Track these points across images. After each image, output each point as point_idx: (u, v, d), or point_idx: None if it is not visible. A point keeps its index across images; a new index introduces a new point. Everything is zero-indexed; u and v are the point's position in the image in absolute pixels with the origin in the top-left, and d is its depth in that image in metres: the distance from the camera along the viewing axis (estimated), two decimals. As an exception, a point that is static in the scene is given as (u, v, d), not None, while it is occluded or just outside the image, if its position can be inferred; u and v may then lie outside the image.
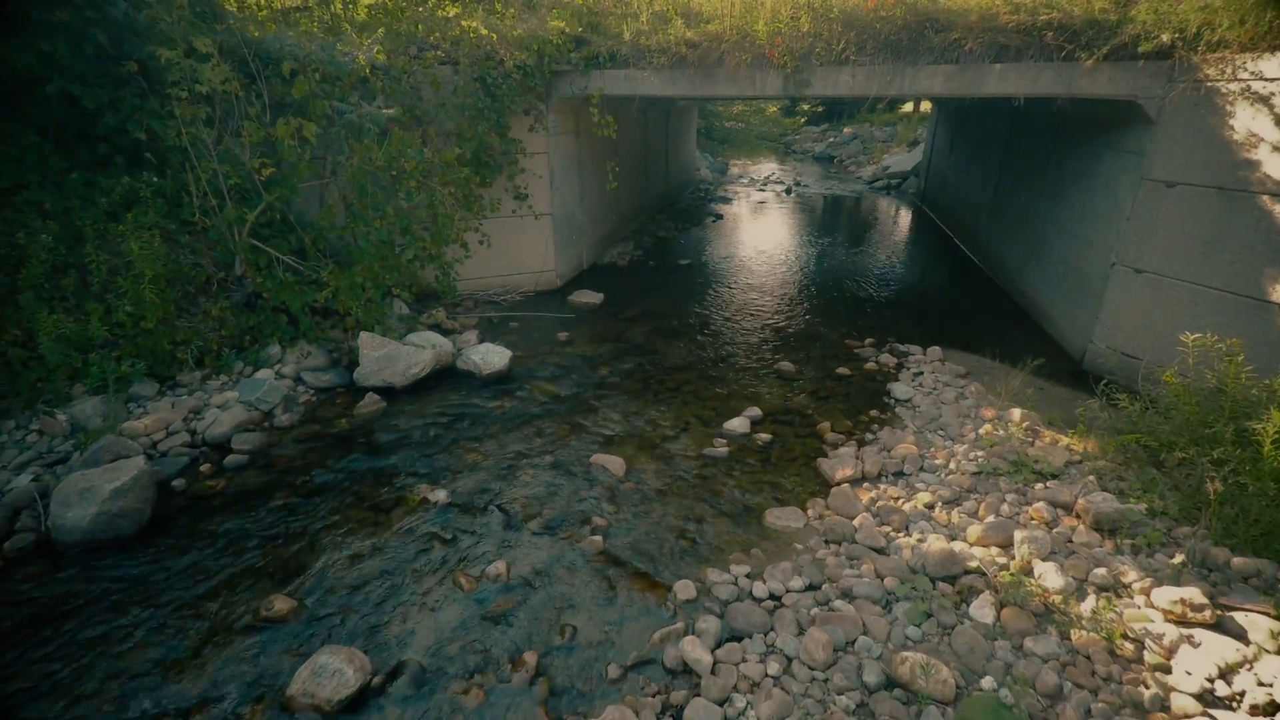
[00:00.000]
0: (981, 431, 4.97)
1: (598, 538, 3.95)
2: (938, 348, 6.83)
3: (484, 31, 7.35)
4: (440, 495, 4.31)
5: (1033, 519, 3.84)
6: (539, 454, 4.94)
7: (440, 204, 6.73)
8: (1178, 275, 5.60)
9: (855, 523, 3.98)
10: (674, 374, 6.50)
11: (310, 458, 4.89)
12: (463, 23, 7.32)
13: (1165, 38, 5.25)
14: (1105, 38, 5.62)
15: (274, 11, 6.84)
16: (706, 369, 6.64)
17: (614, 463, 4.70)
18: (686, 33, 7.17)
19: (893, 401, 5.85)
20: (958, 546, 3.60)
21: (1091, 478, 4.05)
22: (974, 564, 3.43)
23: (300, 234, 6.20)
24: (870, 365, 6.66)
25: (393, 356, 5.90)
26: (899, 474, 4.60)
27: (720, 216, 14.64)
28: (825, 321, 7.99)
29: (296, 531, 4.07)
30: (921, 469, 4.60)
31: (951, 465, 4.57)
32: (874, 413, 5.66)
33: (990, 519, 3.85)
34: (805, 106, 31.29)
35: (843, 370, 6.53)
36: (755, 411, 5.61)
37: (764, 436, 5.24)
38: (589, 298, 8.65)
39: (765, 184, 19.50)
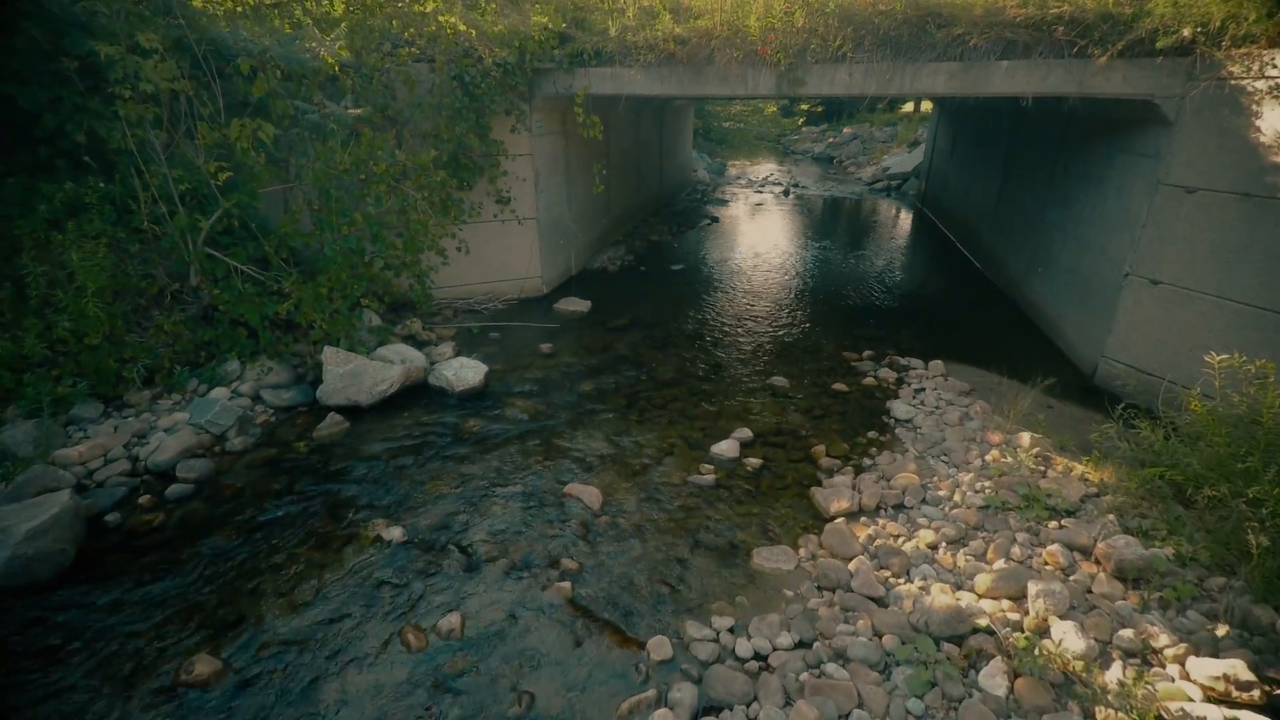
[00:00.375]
0: (988, 458, 4.60)
1: (566, 584, 3.57)
2: (940, 361, 6.45)
3: (462, 27, 6.97)
4: (396, 533, 3.93)
5: (1047, 564, 3.46)
6: (509, 482, 4.57)
7: (413, 209, 6.35)
8: (1198, 287, 5.22)
9: (851, 566, 3.60)
10: (661, 389, 6.12)
11: (261, 486, 4.52)
12: (440, 18, 6.94)
13: (1186, 32, 4.87)
14: (1120, 33, 5.24)
15: (246, 7, 6.46)
16: (696, 383, 6.27)
17: (589, 494, 4.32)
18: (675, 28, 6.79)
19: (892, 422, 5.47)
20: (965, 599, 3.23)
21: (1111, 516, 3.67)
22: (983, 622, 3.05)
23: (262, 242, 5.81)
24: (869, 380, 6.28)
25: (358, 373, 5.53)
26: (899, 506, 4.22)
27: (716, 219, 14.26)
28: (822, 331, 7.61)
29: (235, 574, 3.69)
30: (923, 501, 4.23)
31: (956, 497, 4.19)
32: (872, 434, 5.28)
33: (1000, 564, 3.48)
34: (804, 106, 30.91)
35: (839, 386, 6.15)
36: (745, 433, 5.23)
37: (754, 461, 4.86)
38: (576, 306, 8.28)
39: (763, 185, 19.12)
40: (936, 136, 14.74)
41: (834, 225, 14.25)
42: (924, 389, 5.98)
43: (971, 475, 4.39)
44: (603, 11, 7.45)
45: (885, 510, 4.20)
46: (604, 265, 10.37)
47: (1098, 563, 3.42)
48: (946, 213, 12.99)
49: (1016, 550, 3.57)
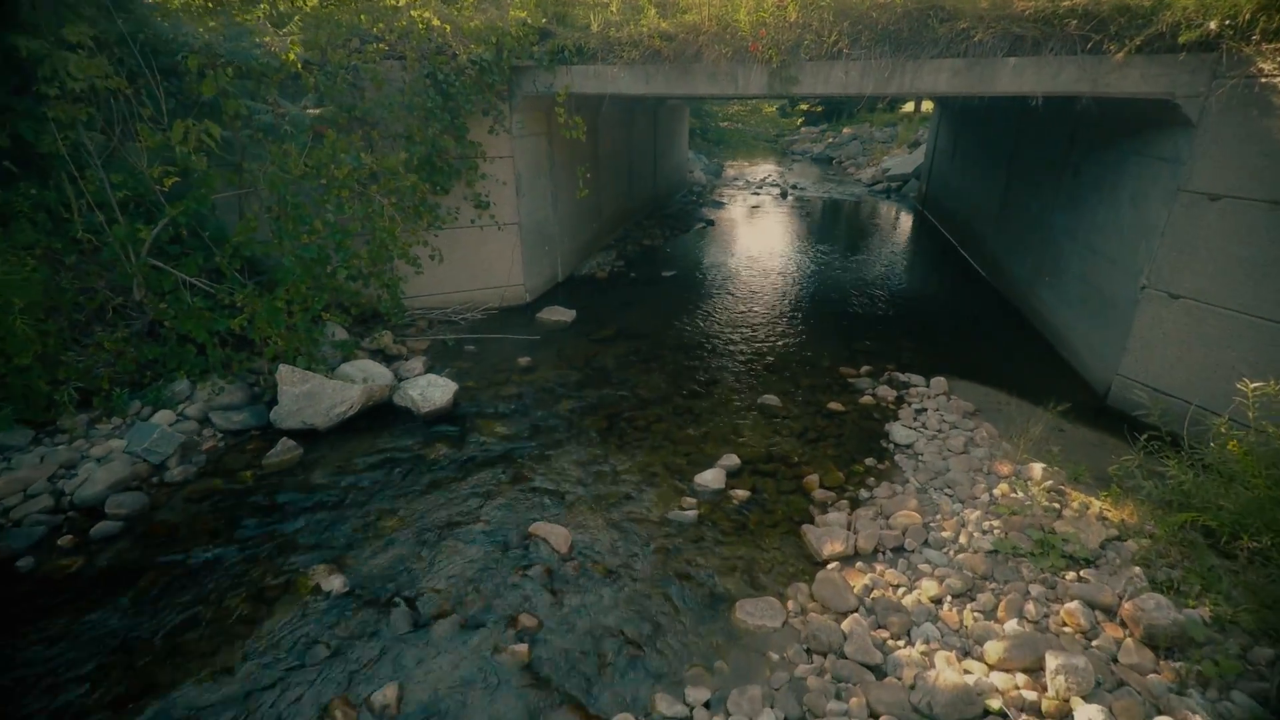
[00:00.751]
0: (996, 492, 4.19)
1: (523, 646, 3.17)
2: (942, 378, 6.04)
3: (436, 22, 6.57)
4: (337, 583, 3.53)
5: (1065, 626, 3.06)
6: (470, 519, 4.16)
7: (379, 215, 5.94)
8: (1222, 302, 4.81)
9: (845, 626, 3.19)
10: (645, 409, 5.72)
11: (198, 523, 4.11)
12: (412, 12, 6.53)
13: (1213, 26, 4.46)
14: (1139, 27, 4.83)
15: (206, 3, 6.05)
16: (683, 401, 5.86)
17: (557, 534, 3.92)
18: (661, 23, 6.39)
19: (891, 447, 5.06)
20: (973, 674, 2.82)
21: (1137, 569, 3.26)
22: (995, 704, 2.64)
23: (215, 252, 5.41)
24: (866, 399, 5.88)
25: (315, 394, 5.12)
26: (899, 550, 3.81)
27: (711, 222, 13.85)
28: (818, 343, 7.21)
29: (152, 632, 3.29)
30: (926, 543, 3.82)
31: (962, 539, 3.78)
32: (870, 461, 4.88)
33: (1012, 624, 3.07)
34: (804, 106, 30.50)
35: (835, 405, 5.75)
36: (733, 459, 4.83)
37: (741, 493, 4.46)
38: (559, 315, 7.87)
39: (761, 187, 18.72)
40: (937, 137, 14.32)
41: (832, 228, 13.84)
42: (925, 409, 5.58)
43: (978, 513, 3.98)
44: (585, 5, 7.05)
45: (883, 553, 3.80)
46: (593, 271, 9.96)
47: (1124, 625, 3.02)
48: (948, 216, 12.58)
49: (1031, 608, 3.17)
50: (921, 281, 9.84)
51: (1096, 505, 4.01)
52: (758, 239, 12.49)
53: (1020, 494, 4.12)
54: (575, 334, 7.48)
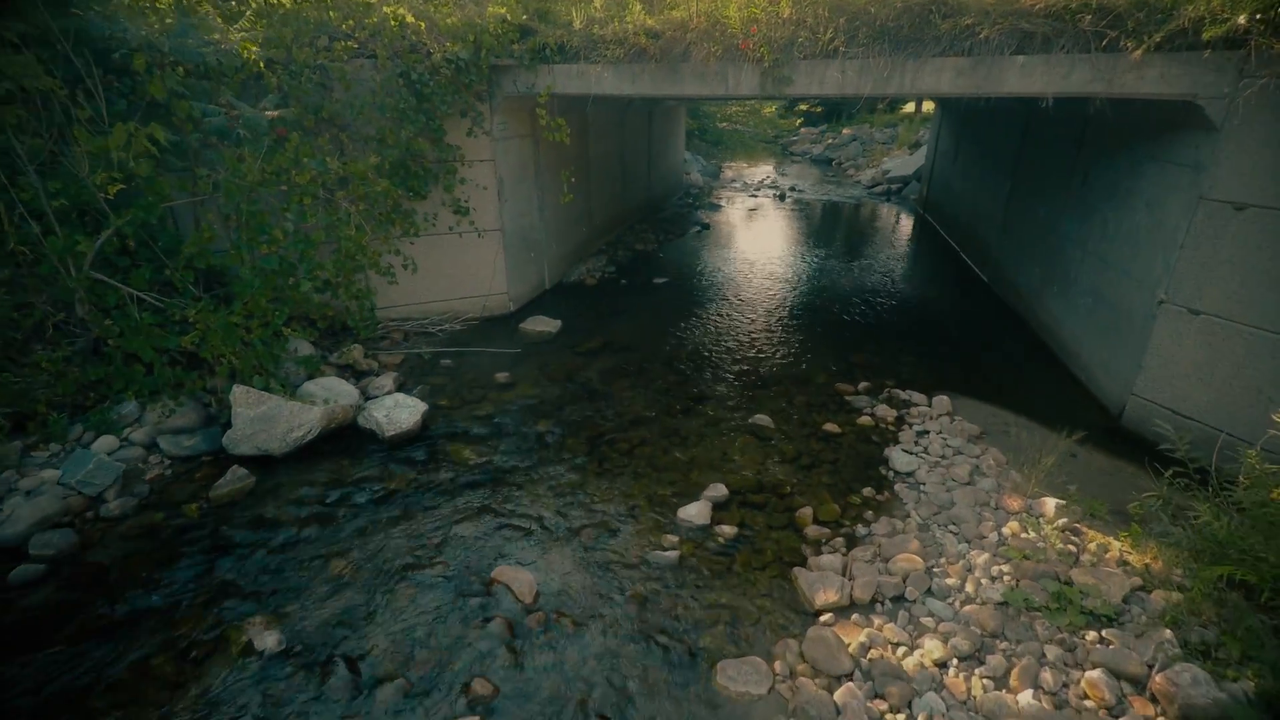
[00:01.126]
0: (1005, 531, 3.83)
1: (475, 719, 2.81)
2: (944, 397, 5.69)
3: (410, 19, 6.20)
4: (271, 640, 3.16)
5: (1088, 700, 2.70)
6: (428, 561, 3.80)
7: (345, 224, 5.58)
8: (1250, 320, 4.45)
9: (838, 697, 2.83)
10: (629, 430, 5.36)
11: (131, 566, 3.75)
12: (385, 8, 6.16)
13: (1241, 20, 4.10)
14: (1158, 22, 4.47)
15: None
16: (669, 422, 5.50)
17: (521, 581, 3.55)
18: (647, 20, 6.02)
19: (891, 475, 4.70)
20: (985, 763, 2.46)
21: (1168, 632, 2.90)
22: (1011, 804, 2.29)
23: (166, 264, 5.05)
24: (864, 419, 5.51)
25: (271, 416, 4.76)
26: (899, 599, 3.45)
27: (707, 226, 13.49)
28: (814, 356, 6.84)
29: (59, 702, 2.92)
30: (929, 592, 3.46)
31: (968, 587, 3.42)
32: (868, 491, 4.51)
33: (1027, 696, 2.71)
34: (803, 107, 30.12)
35: (831, 427, 5.38)
36: (720, 489, 4.47)
37: (727, 530, 4.10)
38: (543, 326, 7.51)
39: (759, 189, 18.37)
40: (939, 138, 13.96)
41: (831, 232, 13.47)
42: (927, 432, 5.22)
43: (986, 555, 3.62)
44: (568, 1, 6.68)
45: (882, 603, 3.43)
46: (581, 278, 9.60)
47: (1155, 700, 2.65)
48: (950, 220, 12.21)
49: (1048, 676, 2.80)
50: (922, 289, 9.48)
51: (1116, 547, 3.65)
52: (754, 243, 12.13)
53: (1032, 533, 3.75)
54: (559, 346, 7.12)
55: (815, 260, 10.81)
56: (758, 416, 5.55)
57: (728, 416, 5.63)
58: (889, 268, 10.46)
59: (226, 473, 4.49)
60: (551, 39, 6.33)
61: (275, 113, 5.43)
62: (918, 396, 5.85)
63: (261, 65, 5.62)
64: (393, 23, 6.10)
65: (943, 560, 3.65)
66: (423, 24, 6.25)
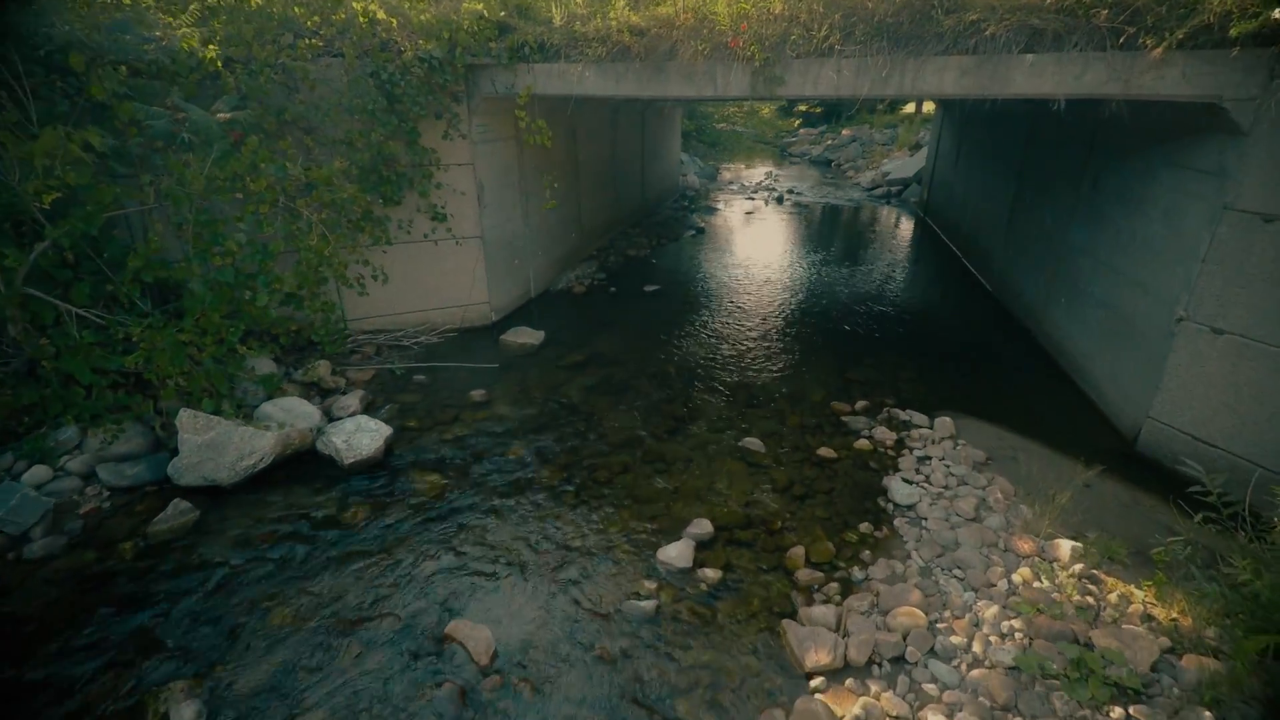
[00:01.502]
0: (1016, 579, 3.47)
1: (410, 813, 2.45)
2: (947, 418, 5.33)
3: (382, 15, 5.85)
4: (189, 712, 2.80)
5: (1118, 795, 2.34)
6: (378, 611, 3.44)
7: (307, 233, 5.23)
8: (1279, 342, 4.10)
9: (827, 788, 2.47)
10: (610, 455, 5.00)
11: (49, 617, 3.39)
12: (355, 3, 5.80)
13: (1275, 14, 3.74)
14: (1181, 17, 4.11)
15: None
16: (654, 445, 5.15)
17: (478, 639, 3.19)
18: (631, 16, 5.67)
19: (890, 508, 4.35)
20: None
21: (1208, 716, 2.54)
22: None
23: (111, 278, 4.70)
24: (862, 443, 5.16)
25: (219, 443, 4.40)
26: (898, 660, 3.09)
27: (701, 230, 13.14)
28: (809, 371, 6.49)
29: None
30: (932, 652, 3.10)
31: (976, 647, 3.07)
32: (865, 527, 4.16)
33: (1047, 790, 2.36)
34: (802, 107, 29.75)
35: (826, 451, 5.03)
36: (705, 526, 4.11)
37: (711, 574, 3.73)
38: (526, 338, 7.16)
39: (756, 191, 18.01)
40: (940, 139, 13.60)
41: (829, 237, 13.11)
42: (929, 458, 4.86)
43: (995, 608, 3.26)
44: (550, -4, 6.33)
45: (880, 665, 3.07)
46: (570, 285, 9.25)
47: (1196, 799, 2.30)
48: (952, 225, 11.85)
49: (1070, 764, 2.45)
50: (923, 298, 9.12)
51: (1139, 598, 3.29)
52: (750, 248, 11.77)
53: (1046, 582, 3.40)
54: (542, 359, 6.77)
55: (812, 266, 10.45)
56: (748, 439, 5.19)
57: (716, 439, 5.27)
58: (888, 274, 10.10)
59: (169, 506, 4.13)
60: (531, 36, 5.98)
61: (229, 115, 5.06)
62: (918, 417, 5.49)
63: (219, 65, 5.27)
64: (362, 19, 5.74)
65: (947, 614, 3.29)
66: (394, 20, 5.90)
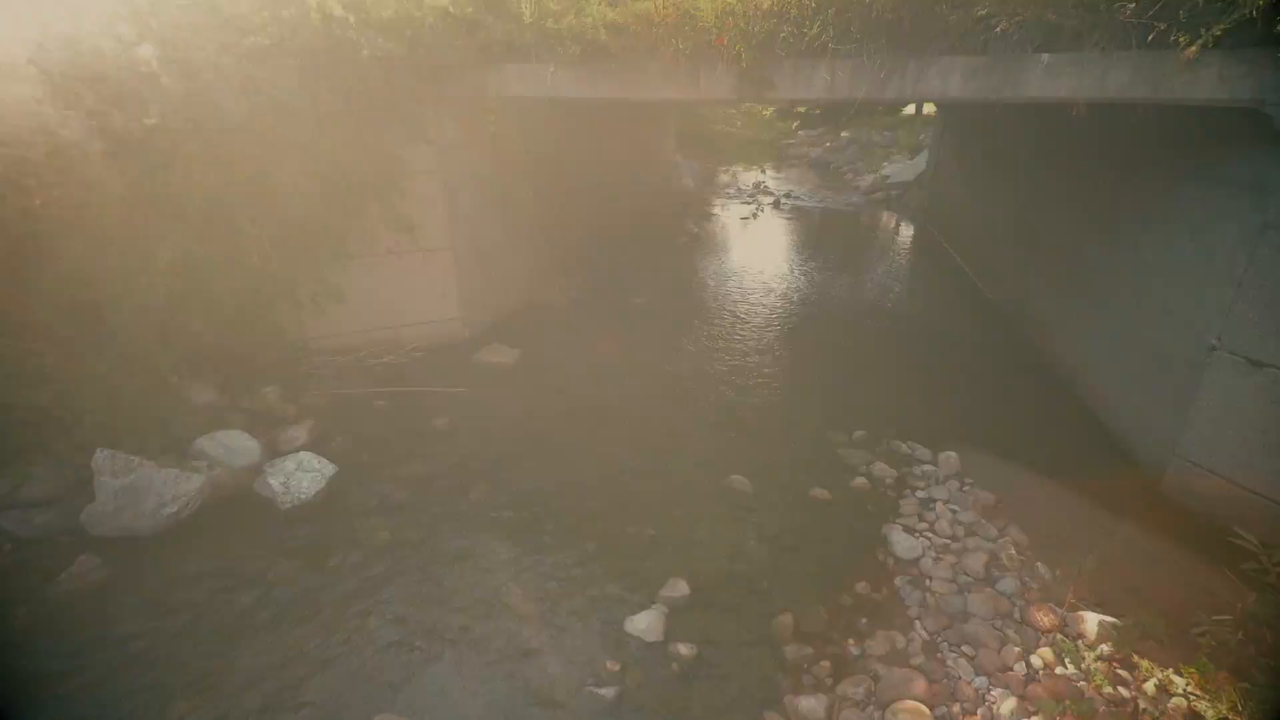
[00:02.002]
0: (1036, 661, 2.99)
1: None
2: (953, 454, 4.86)
3: (339, 11, 5.37)
4: None
5: None
6: (295, 700, 2.96)
7: (250, 249, 4.75)
8: (1330, 379, 3.63)
9: None
10: (581, 498, 4.53)
11: (-89, 707, 2.91)
12: (309, -1, 5.33)
13: (1332, 9, 3.27)
14: (1218, 11, 3.63)
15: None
16: (631, 484, 4.68)
17: (404, 740, 2.72)
18: (608, 13, 5.19)
19: (891, 562, 3.87)
20: None
21: None
22: None
23: (24, 302, 4.21)
24: (860, 482, 4.69)
25: (139, 487, 3.92)
26: (900, 769, 2.62)
27: (695, 236, 12.65)
28: (803, 395, 6.02)
29: None
30: (939, 759, 2.63)
31: (992, 754, 2.59)
32: (862, 588, 3.68)
33: None
34: (801, 109, 29.27)
35: (820, 492, 4.56)
36: (681, 587, 3.64)
37: (685, 651, 3.26)
38: (500, 356, 6.68)
39: (753, 195, 17.53)
40: (941, 143, 13.13)
41: (827, 243, 12.63)
42: (934, 501, 4.39)
43: (1013, 701, 2.79)
44: (522, -8, 5.86)
45: (877, 775, 2.60)
46: (554, 297, 8.75)
47: None
48: (953, 232, 11.37)
49: None
50: (924, 313, 8.62)
51: (1179, 685, 2.81)
52: (745, 256, 11.29)
53: (1070, 667, 2.92)
54: (515, 382, 6.30)
55: (808, 276, 9.97)
56: (735, 477, 4.72)
57: (699, 477, 4.79)
58: (888, 286, 9.63)
59: (75, 563, 3.65)
60: (499, 35, 5.50)
61: (152, 121, 4.58)
62: (921, 451, 5.02)
63: (154, 64, 4.80)
64: (315, 15, 5.26)
65: (956, 708, 2.82)
66: (351, 17, 5.42)
